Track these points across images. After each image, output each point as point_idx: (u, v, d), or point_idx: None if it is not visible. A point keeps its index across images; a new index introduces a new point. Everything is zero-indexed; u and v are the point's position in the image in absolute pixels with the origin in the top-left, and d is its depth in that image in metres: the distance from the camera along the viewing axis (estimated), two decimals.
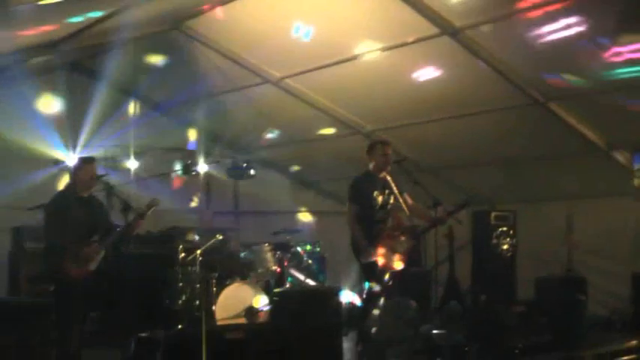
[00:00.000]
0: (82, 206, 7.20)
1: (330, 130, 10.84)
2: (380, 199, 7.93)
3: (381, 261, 7.66)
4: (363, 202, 7.86)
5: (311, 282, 10.18)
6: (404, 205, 7.90)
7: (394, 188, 7.90)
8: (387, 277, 7.69)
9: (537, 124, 8.92)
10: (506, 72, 8.02)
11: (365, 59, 8.45)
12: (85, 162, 7.56)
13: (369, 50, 8.31)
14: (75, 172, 7.46)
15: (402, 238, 7.87)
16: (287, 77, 9.38)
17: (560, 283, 8.83)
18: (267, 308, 8.29)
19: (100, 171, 7.66)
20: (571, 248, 9.96)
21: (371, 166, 8.04)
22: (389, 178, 7.95)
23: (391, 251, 7.74)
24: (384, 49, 8.21)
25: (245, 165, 11.16)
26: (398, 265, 7.72)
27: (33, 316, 5.50)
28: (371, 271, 7.74)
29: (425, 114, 9.56)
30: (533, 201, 10.87)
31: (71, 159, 9.03)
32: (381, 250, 7.67)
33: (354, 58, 8.47)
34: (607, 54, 7.33)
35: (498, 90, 8.39)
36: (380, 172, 7.98)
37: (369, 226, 7.82)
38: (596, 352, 7.24)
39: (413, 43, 7.87)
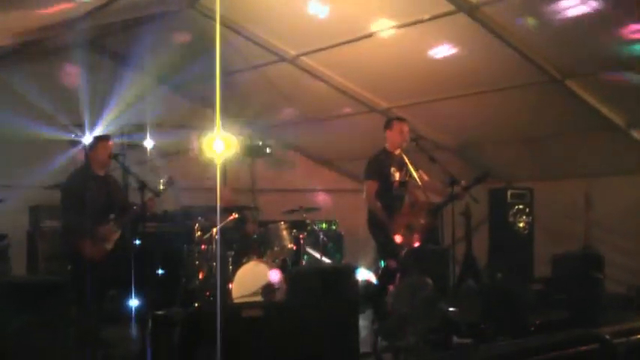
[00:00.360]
0: (98, 185, 7.23)
1: (346, 108, 10.80)
2: (397, 175, 7.94)
3: (397, 238, 7.67)
4: (381, 179, 7.86)
5: (327, 260, 10.19)
6: (419, 182, 7.89)
7: (410, 165, 7.90)
8: (403, 254, 7.69)
9: (555, 101, 8.85)
10: (523, 49, 7.94)
11: (381, 37, 8.39)
12: (101, 140, 7.59)
13: (385, 28, 8.25)
14: (90, 151, 7.49)
15: (419, 215, 7.88)
16: (303, 55, 9.34)
17: (578, 261, 8.77)
18: (283, 286, 8.30)
19: (115, 150, 7.69)
20: (588, 226, 9.92)
21: (387, 143, 8.04)
22: (404, 155, 7.95)
23: (408, 228, 7.74)
24: (399, 27, 8.15)
25: (261, 143, 11.16)
26: (415, 242, 7.72)
27: (51, 295, 5.51)
28: (387, 249, 7.75)
29: (441, 91, 9.50)
30: (550, 178, 10.81)
31: (87, 138, 9.06)
32: (398, 227, 7.68)
33: (370, 35, 8.41)
34: (626, 31, 7.26)
35: (515, 67, 8.32)
36: (396, 150, 7.99)
37: (386, 203, 7.83)
38: (614, 329, 7.20)
39: (429, 20, 7.81)
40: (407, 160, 7.93)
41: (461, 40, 8.25)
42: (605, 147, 9.56)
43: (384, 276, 7.85)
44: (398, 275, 7.64)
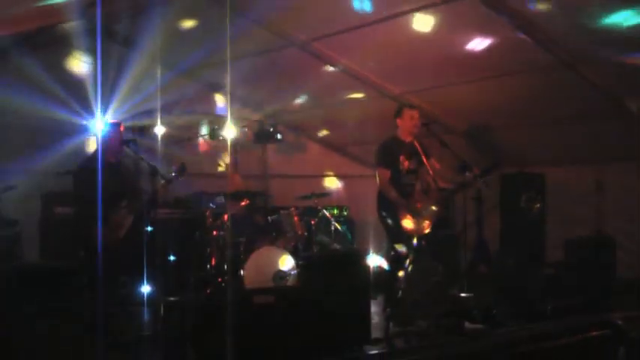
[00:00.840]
0: (110, 172, 7.24)
1: (357, 94, 10.78)
2: (407, 163, 7.91)
3: (409, 224, 7.67)
4: (390, 166, 7.84)
5: (339, 246, 10.19)
6: (431, 170, 7.87)
7: (421, 153, 7.87)
8: (414, 240, 7.68)
9: (567, 85, 8.81)
10: (536, 33, 7.91)
11: (392, 21, 8.36)
12: (112, 127, 7.59)
13: (397, 12, 8.21)
14: (102, 138, 7.49)
15: (430, 202, 7.87)
16: (313, 40, 9.31)
17: (590, 246, 8.75)
18: (294, 272, 8.31)
19: (127, 136, 7.69)
20: (600, 211, 9.90)
21: (398, 131, 8.02)
22: (417, 142, 7.93)
23: (419, 215, 7.73)
24: (411, 11, 8.12)
25: (272, 129, 11.16)
26: (425, 228, 7.71)
27: (63, 281, 5.53)
28: (398, 234, 7.74)
29: (452, 76, 9.47)
30: (562, 164, 10.78)
31: (98, 124, 9.06)
32: (409, 213, 7.68)
33: (382, 20, 8.38)
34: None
35: (527, 51, 8.28)
36: (407, 137, 7.96)
37: (396, 190, 7.81)
38: (625, 314, 7.20)
39: (441, 4, 7.78)
40: (419, 148, 7.90)
41: (473, 24, 8.21)
42: (617, 132, 9.51)
43: (394, 262, 7.84)
44: (409, 261, 7.64)
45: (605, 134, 9.65)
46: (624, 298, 8.16)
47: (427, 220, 7.78)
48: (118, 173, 7.45)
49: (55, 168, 8.77)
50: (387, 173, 7.83)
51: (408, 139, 7.95)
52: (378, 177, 7.95)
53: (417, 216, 7.72)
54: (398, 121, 8.03)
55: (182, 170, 7.62)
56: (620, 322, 6.83)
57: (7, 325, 5.15)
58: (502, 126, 10.58)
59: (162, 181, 7.38)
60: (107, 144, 7.40)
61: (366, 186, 9.56)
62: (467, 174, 7.80)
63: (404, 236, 7.71)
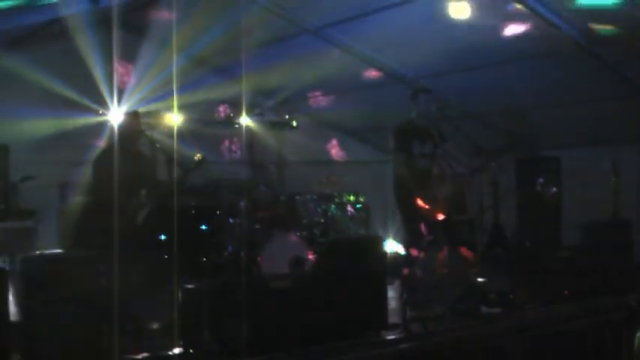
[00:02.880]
0: (127, 161, 7.28)
1: (372, 79, 10.78)
2: (423, 147, 7.93)
3: (425, 208, 7.69)
4: (405, 149, 7.87)
5: (355, 232, 10.22)
6: (446, 154, 7.91)
7: (437, 137, 7.89)
8: (431, 225, 7.72)
9: (583, 68, 8.79)
10: (550, 16, 7.89)
11: (406, 6, 8.35)
12: (130, 116, 7.64)
13: None
14: (120, 127, 7.54)
15: (445, 186, 7.89)
16: (327, 26, 9.32)
17: (606, 229, 8.74)
18: (311, 258, 8.36)
19: (144, 125, 7.73)
20: (617, 193, 9.87)
21: (413, 114, 8.03)
22: (433, 126, 7.95)
23: (435, 199, 7.76)
24: None
25: (287, 117, 11.18)
26: (441, 212, 7.74)
27: (82, 269, 5.60)
28: (414, 219, 7.77)
29: (468, 60, 9.46)
30: (578, 146, 10.75)
31: (116, 114, 9.11)
32: (424, 198, 7.70)
33: (395, 5, 8.38)
34: None
35: (543, 34, 8.26)
36: (422, 121, 7.98)
37: (412, 173, 7.84)
38: None
39: None
40: (435, 132, 7.92)
41: (488, 9, 8.20)
42: (634, 114, 9.48)
43: (410, 246, 7.87)
44: (425, 245, 7.67)
45: (621, 116, 9.62)
46: None
47: (443, 204, 7.81)
48: (136, 162, 7.50)
49: (74, 158, 8.81)
50: (402, 156, 7.85)
51: (423, 123, 7.97)
52: (394, 161, 7.98)
53: (433, 200, 7.75)
54: (412, 105, 8.05)
55: (201, 162, 7.65)
56: (636, 304, 6.84)
57: (29, 315, 5.23)
58: (518, 109, 10.54)
59: (180, 172, 7.43)
60: (124, 133, 7.44)
61: (382, 172, 9.59)
62: (481, 158, 7.83)
63: (420, 220, 7.74)
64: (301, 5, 8.96)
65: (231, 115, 10.57)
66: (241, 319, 5.53)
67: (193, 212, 9.11)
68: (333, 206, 10.17)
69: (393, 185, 8.03)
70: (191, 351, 5.81)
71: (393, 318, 6.67)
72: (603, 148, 10.27)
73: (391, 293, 7.53)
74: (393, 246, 9.85)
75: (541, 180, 10.48)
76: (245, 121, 10.72)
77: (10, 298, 5.33)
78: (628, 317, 6.74)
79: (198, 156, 7.61)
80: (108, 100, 9.06)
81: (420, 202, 7.70)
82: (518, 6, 7.77)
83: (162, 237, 7.84)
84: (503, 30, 8.49)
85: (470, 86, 10.15)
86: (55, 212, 9.35)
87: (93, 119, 9.35)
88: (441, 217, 7.73)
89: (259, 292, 5.95)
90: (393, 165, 7.95)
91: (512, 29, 8.41)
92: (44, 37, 9.12)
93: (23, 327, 5.26)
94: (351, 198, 10.97)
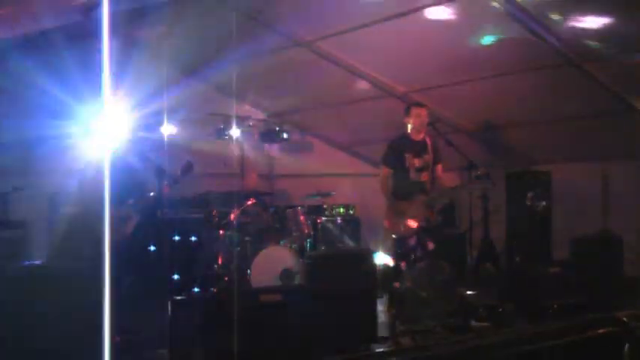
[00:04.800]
0: (114, 171, 7.29)
1: (363, 93, 10.80)
2: (415, 161, 7.97)
3: (415, 222, 7.72)
4: (395, 164, 7.92)
5: (345, 245, 10.21)
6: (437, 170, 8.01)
7: (431, 151, 7.96)
8: (420, 238, 7.74)
9: (573, 84, 8.82)
10: (541, 31, 7.92)
11: (397, 20, 8.37)
12: (121, 127, 7.64)
13: (402, 11, 8.22)
14: (110, 138, 7.53)
15: (437, 200, 7.96)
16: (319, 39, 9.32)
17: (596, 244, 8.75)
18: (301, 271, 8.34)
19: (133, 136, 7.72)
20: (607, 209, 9.90)
21: (407, 128, 8.10)
22: (429, 140, 8.01)
23: (425, 212, 7.79)
24: (416, 10, 8.13)
25: (278, 128, 11.18)
26: (431, 226, 7.78)
27: (70, 281, 5.57)
28: (405, 232, 7.79)
29: (459, 75, 9.48)
30: (568, 161, 10.78)
31: (105, 124, 9.07)
32: (416, 211, 7.73)
33: (386, 19, 8.39)
34: None
35: (533, 50, 8.29)
36: (417, 135, 8.04)
37: (403, 188, 7.88)
38: (632, 313, 7.21)
39: (444, 3, 7.79)
40: (430, 147, 7.99)
41: (478, 23, 8.22)
42: (624, 130, 9.51)
43: (400, 260, 7.90)
44: (415, 259, 7.69)
45: (611, 132, 9.65)
46: (630, 296, 8.16)
47: (433, 217, 7.85)
48: (123, 172, 7.49)
49: (63, 169, 8.78)
50: (386, 171, 7.96)
51: (418, 137, 8.04)
52: (387, 174, 8.08)
53: (424, 213, 7.78)
54: (406, 119, 8.11)
55: (188, 169, 7.65)
56: (626, 320, 6.84)
57: (16, 326, 5.19)
58: (508, 124, 10.57)
59: (168, 181, 7.42)
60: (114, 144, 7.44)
61: (372, 185, 9.58)
62: (472, 172, 7.88)
63: (411, 234, 7.76)
64: (292, 18, 8.95)
65: (222, 126, 10.55)
66: (230, 332, 5.51)
67: (183, 224, 9.11)
68: (323, 219, 10.16)
69: (385, 198, 8.07)
70: None
71: (383, 331, 6.66)
72: (594, 164, 10.30)
73: (380, 306, 7.52)
74: (382, 259, 9.84)
75: (531, 194, 10.48)
76: (235, 132, 10.69)
77: None
78: (617, 332, 6.74)
79: (185, 163, 7.60)
80: (97, 110, 9.03)
81: (411, 215, 7.73)
82: (511, 21, 7.79)
83: (152, 248, 7.83)
84: (493, 44, 8.51)
85: (462, 100, 10.18)
86: (45, 222, 9.32)
87: (83, 129, 9.30)
88: (430, 230, 7.75)
89: (248, 304, 5.93)
90: (385, 178, 7.99)
91: (504, 44, 8.42)
92: (32, 46, 9.10)
93: None
94: (342, 211, 10.97)
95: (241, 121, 10.94)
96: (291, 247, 9.04)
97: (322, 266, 6.63)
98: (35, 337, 5.17)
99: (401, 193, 7.95)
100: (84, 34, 9.28)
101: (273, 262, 8.59)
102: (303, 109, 12.02)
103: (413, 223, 7.75)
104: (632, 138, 9.54)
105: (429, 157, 8.03)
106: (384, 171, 8.09)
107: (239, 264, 8.74)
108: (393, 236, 7.97)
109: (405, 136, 8.12)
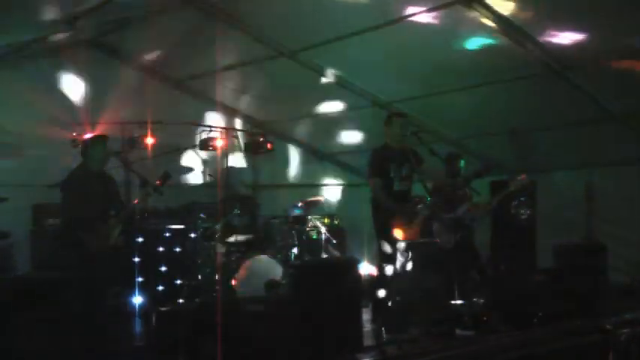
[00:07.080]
0: (96, 182, 7.30)
1: (347, 103, 10.81)
2: (399, 170, 7.95)
3: (402, 231, 7.70)
4: (382, 174, 7.88)
5: (330, 254, 10.20)
6: (422, 177, 7.97)
7: (412, 160, 7.90)
8: (407, 247, 7.72)
9: (555, 92, 8.86)
10: (523, 40, 7.95)
11: (380, 31, 8.38)
12: (97, 140, 7.64)
13: (385, 21, 8.23)
14: (87, 150, 7.54)
15: (421, 209, 7.94)
16: (302, 50, 9.32)
17: (580, 252, 8.75)
18: (285, 281, 8.33)
19: (116, 147, 7.70)
20: (591, 216, 9.93)
21: (387, 139, 8.05)
22: (408, 149, 7.96)
23: (410, 221, 7.77)
24: (399, 20, 8.14)
25: (262, 139, 11.16)
26: (418, 235, 7.76)
27: (54, 292, 5.53)
28: (391, 241, 7.77)
29: (441, 85, 9.50)
30: (552, 169, 10.82)
31: (86, 137, 9.05)
32: (400, 220, 7.72)
33: (369, 29, 8.41)
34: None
35: (515, 58, 8.32)
36: (398, 145, 7.99)
37: (389, 196, 7.86)
38: (616, 320, 7.22)
39: (428, 11, 7.81)
40: (411, 156, 7.93)
41: (460, 32, 8.24)
42: (606, 137, 9.56)
43: (386, 269, 7.87)
44: (401, 268, 7.67)
45: (594, 139, 9.69)
46: (614, 303, 8.18)
47: (419, 226, 7.83)
48: (104, 184, 7.49)
49: (47, 180, 8.74)
50: (379, 181, 7.87)
51: (398, 147, 7.97)
52: (371, 187, 7.99)
53: (408, 222, 7.75)
54: (386, 128, 8.06)
55: (166, 178, 7.63)
56: (610, 327, 6.85)
57: (2, 336, 5.15)
58: (492, 133, 10.60)
59: (144, 191, 7.43)
60: (92, 156, 7.44)
61: (356, 195, 9.60)
62: (457, 181, 7.88)
63: (396, 243, 7.73)
64: (278, 29, 8.95)
65: (206, 137, 10.52)
66: (214, 343, 5.48)
67: (167, 234, 9.09)
68: (308, 229, 10.15)
69: (371, 208, 8.03)
70: None
71: (369, 341, 6.64)
72: (578, 171, 10.35)
73: (366, 315, 7.50)
74: (368, 268, 9.84)
75: (516, 203, 10.50)
76: (220, 143, 10.67)
77: None
78: (602, 340, 6.75)
79: (163, 172, 7.59)
80: (81, 121, 9.01)
81: (396, 224, 7.71)
82: (494, 31, 7.83)
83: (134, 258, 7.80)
84: (476, 54, 8.53)
85: (445, 110, 10.21)
86: (29, 234, 9.28)
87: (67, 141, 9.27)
88: (417, 239, 7.74)
89: (233, 314, 5.90)
90: (380, 188, 7.93)
91: (486, 53, 8.45)
92: (17, 57, 9.08)
93: None
94: (326, 221, 10.96)
95: (226, 131, 10.92)
96: (276, 257, 9.02)
97: (307, 276, 6.60)
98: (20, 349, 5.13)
99: (386, 203, 7.91)
100: (64, 47, 9.30)
101: (258, 272, 8.58)
102: (288, 120, 12.03)
103: (399, 233, 7.73)
104: (614, 145, 9.60)
105: (410, 165, 7.98)
106: (376, 182, 7.95)
107: (224, 274, 8.71)
108: (381, 245, 7.93)
109: (387, 146, 8.06)
